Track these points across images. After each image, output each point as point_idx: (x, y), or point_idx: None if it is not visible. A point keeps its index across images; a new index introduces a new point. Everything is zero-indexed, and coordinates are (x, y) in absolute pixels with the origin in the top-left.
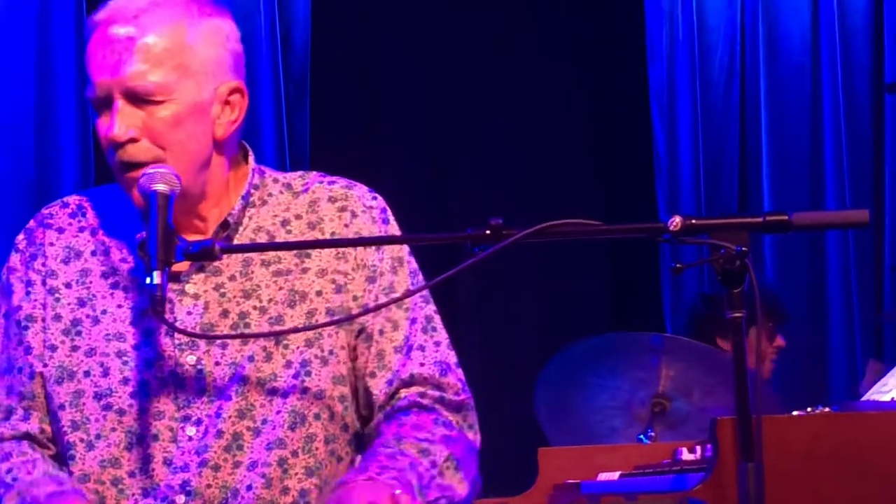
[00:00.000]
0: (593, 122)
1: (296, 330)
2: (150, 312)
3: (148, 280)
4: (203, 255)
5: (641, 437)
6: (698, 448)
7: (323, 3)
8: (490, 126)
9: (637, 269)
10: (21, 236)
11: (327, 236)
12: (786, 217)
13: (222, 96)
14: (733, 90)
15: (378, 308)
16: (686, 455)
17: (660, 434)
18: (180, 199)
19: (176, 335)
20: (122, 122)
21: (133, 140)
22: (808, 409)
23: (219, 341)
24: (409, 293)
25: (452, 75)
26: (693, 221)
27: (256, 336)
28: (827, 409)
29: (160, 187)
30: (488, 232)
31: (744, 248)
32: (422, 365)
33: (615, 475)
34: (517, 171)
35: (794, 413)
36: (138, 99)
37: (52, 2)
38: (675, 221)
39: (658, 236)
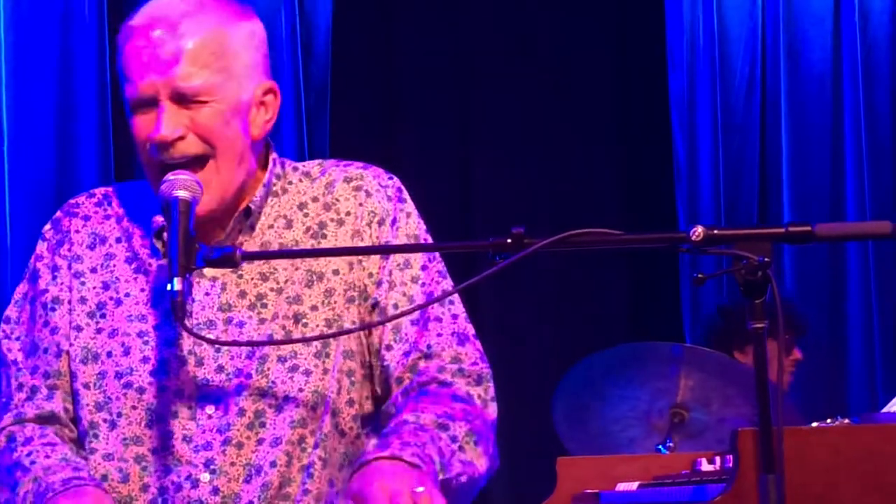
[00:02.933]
0: (613, 131)
1: (321, 336)
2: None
3: (169, 287)
4: (224, 262)
5: (660, 447)
6: (717, 459)
7: (344, 10)
8: (511, 135)
9: (656, 279)
10: (48, 226)
11: (342, 216)
12: (809, 228)
13: (258, 97)
14: (754, 100)
15: (413, 311)
16: (705, 466)
17: (678, 444)
18: (223, 204)
19: (194, 314)
20: (169, 122)
21: (181, 138)
22: (828, 421)
23: (235, 322)
24: (438, 298)
25: (474, 85)
26: (715, 232)
27: (281, 343)
28: (847, 421)
29: (181, 194)
30: (510, 241)
31: (766, 259)
32: (439, 335)
33: (634, 485)
34: (538, 180)
35: (814, 424)
36: (185, 99)
37: (75, 2)
38: (698, 231)
39: (679, 246)
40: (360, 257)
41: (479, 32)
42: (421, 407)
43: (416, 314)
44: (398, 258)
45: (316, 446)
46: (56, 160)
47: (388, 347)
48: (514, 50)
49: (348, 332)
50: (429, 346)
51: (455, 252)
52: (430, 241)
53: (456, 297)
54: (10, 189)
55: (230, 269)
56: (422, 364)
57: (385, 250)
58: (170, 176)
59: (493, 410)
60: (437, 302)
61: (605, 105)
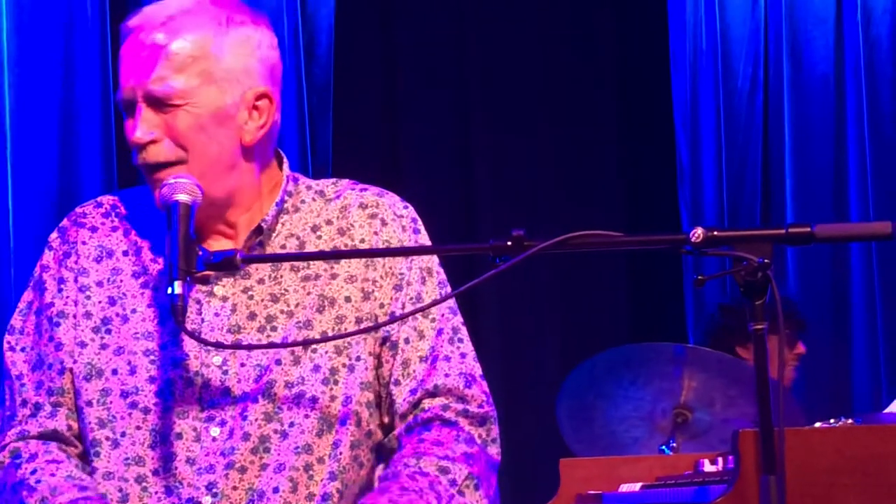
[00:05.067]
0: (616, 133)
1: (323, 340)
2: None
3: (169, 290)
4: (224, 266)
5: (664, 447)
6: (720, 460)
7: (346, 11)
8: (514, 136)
9: (659, 280)
10: (55, 234)
11: (356, 243)
12: (809, 229)
13: (249, 102)
14: (756, 100)
15: (404, 317)
16: (708, 466)
17: (682, 445)
18: (206, 204)
19: (202, 335)
20: (143, 125)
21: (154, 141)
22: (832, 421)
23: (244, 344)
24: (434, 302)
25: (477, 85)
26: (715, 233)
27: (282, 346)
28: (850, 421)
29: (182, 197)
30: (510, 243)
31: (766, 260)
32: (447, 376)
33: (637, 486)
34: (540, 181)
35: (817, 425)
36: (158, 102)
37: (78, 8)
38: (698, 233)
39: (680, 248)
40: (373, 289)
41: (481, 32)
42: (423, 448)
43: (425, 351)
44: (411, 293)
45: (333, 478)
46: (59, 163)
47: (396, 382)
48: (516, 50)
49: (355, 333)
50: (436, 387)
51: (456, 254)
52: (442, 273)
53: (465, 335)
54: (13, 192)
55: (240, 290)
56: (426, 402)
57: (386, 253)
58: (170, 179)
59: (495, 452)
60: (434, 306)
61: (608, 106)
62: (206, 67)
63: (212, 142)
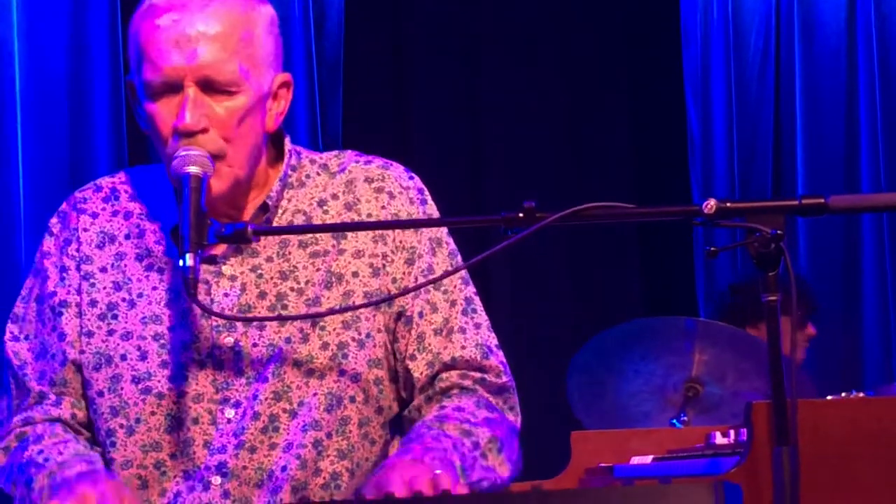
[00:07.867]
0: (627, 105)
1: (333, 311)
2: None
3: (181, 262)
4: (236, 238)
5: (674, 421)
6: (731, 432)
7: None
8: (524, 110)
9: (670, 254)
10: (55, 220)
11: (363, 217)
12: (822, 200)
13: (275, 89)
14: (768, 73)
15: (415, 289)
16: (719, 439)
17: (693, 418)
18: (231, 191)
19: (212, 320)
20: (195, 112)
21: (204, 130)
22: (843, 394)
23: (255, 324)
24: (446, 274)
25: (486, 59)
26: (728, 204)
27: (293, 318)
28: (862, 394)
29: (193, 170)
30: (521, 215)
31: (779, 232)
32: (463, 348)
33: (648, 459)
34: (551, 154)
35: (829, 398)
36: (213, 89)
37: None
38: (710, 204)
39: (692, 219)
40: (384, 263)
41: (491, 6)
42: (444, 413)
43: (439, 324)
44: (422, 265)
45: (343, 456)
46: (70, 136)
47: (413, 357)
48: (526, 24)
49: (366, 305)
50: (453, 359)
51: (467, 227)
52: (451, 243)
53: (479, 305)
54: (23, 165)
55: (249, 269)
56: (444, 373)
57: (397, 225)
58: (181, 151)
59: (515, 418)
60: (445, 278)
61: (619, 79)
62: (253, 52)
63: (250, 131)
